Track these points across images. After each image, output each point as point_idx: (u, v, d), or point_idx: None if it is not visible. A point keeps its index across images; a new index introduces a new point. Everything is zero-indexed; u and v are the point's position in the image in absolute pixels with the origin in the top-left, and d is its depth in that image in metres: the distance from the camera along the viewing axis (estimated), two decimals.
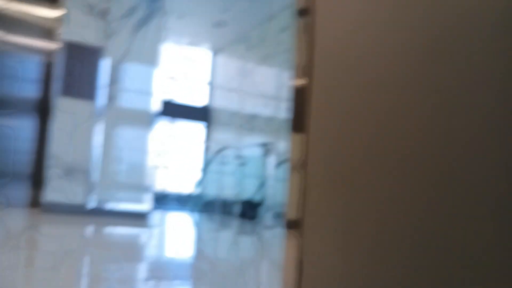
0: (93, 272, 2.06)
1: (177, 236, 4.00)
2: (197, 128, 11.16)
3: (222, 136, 10.82)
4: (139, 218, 3.79)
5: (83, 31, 3.75)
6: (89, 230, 3.29)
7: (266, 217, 4.33)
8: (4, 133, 3.79)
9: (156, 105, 3.97)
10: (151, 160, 3.96)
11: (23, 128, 3.87)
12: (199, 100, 11.35)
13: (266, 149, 4.50)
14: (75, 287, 1.74)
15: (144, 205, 3.88)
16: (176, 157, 10.01)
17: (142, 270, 2.29)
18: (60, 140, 3.63)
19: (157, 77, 3.99)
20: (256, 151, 6.60)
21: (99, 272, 2.04)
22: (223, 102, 11.25)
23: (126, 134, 3.87)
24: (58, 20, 3.89)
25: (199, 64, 11.54)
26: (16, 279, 1.74)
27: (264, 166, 6.06)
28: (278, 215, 4.79)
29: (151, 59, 3.97)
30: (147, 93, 3.95)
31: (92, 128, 3.75)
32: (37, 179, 3.81)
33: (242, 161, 5.29)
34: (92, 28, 3.78)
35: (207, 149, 10.73)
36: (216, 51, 11.41)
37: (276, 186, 4.59)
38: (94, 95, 3.76)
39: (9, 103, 3.84)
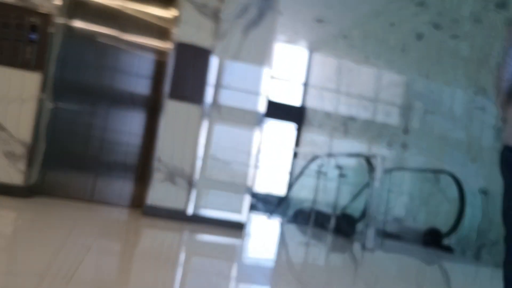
0: (186, 269, 2.02)
1: (265, 242, 3.85)
2: (289, 128, 10.95)
3: (314, 137, 10.47)
4: (236, 228, 3.64)
5: (195, 32, 3.68)
6: (186, 236, 3.22)
7: (366, 234, 3.94)
8: (117, 126, 3.88)
9: (263, 105, 3.81)
10: (253, 162, 3.81)
11: (134, 123, 3.93)
12: (292, 99, 11.12)
13: (368, 161, 4.10)
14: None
15: (242, 215, 3.72)
16: (267, 158, 9.90)
17: (231, 270, 2.31)
18: (166, 143, 3.60)
19: (266, 76, 3.81)
20: (357, 162, 6.15)
21: (191, 268, 1.99)
22: (317, 103, 10.89)
23: (232, 136, 3.76)
24: (172, 20, 3.88)
25: (295, 62, 11.29)
26: (114, 275, 1.72)
27: (364, 178, 5.63)
28: (379, 234, 4.35)
29: (261, 59, 3.81)
30: (255, 93, 3.80)
31: (199, 133, 3.67)
32: (141, 177, 3.83)
33: (341, 172, 4.92)
34: (204, 29, 3.70)
35: (298, 151, 10.48)
36: (313, 49, 11.07)
37: (378, 202, 4.17)
38: (203, 99, 3.68)
39: (122, 98, 3.91)
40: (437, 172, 5.93)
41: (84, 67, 3.83)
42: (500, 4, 5.75)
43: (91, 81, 3.85)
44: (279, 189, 9.90)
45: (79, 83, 3.82)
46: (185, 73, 3.68)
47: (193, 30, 3.68)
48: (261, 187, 9.36)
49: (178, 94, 3.65)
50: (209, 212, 3.65)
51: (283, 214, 7.65)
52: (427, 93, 7.09)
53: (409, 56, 7.74)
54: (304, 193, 7.55)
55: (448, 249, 5.08)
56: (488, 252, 5.12)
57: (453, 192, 5.58)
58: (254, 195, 7.67)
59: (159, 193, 3.55)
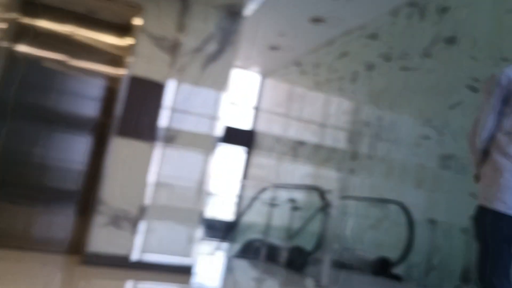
0: None
1: (213, 270, 3.66)
2: (238, 152, 10.81)
3: (264, 161, 10.41)
4: (184, 273, 3.40)
5: (150, 66, 3.46)
6: (130, 285, 2.95)
7: (321, 271, 3.85)
8: (59, 148, 3.54)
9: (219, 130, 3.67)
10: (206, 188, 3.64)
11: (78, 147, 3.61)
12: (242, 123, 11.03)
13: (322, 195, 4.04)
14: None
15: (190, 258, 3.48)
16: (216, 181, 9.66)
17: None
18: (111, 184, 3.29)
19: (224, 102, 3.69)
20: (309, 195, 6.08)
21: None
22: (267, 127, 10.87)
23: (186, 162, 3.56)
24: (127, 49, 3.67)
25: (247, 86, 11.26)
26: None
27: (314, 203, 5.58)
28: (336, 266, 4.27)
29: (218, 87, 3.68)
30: (213, 117, 3.65)
31: (147, 171, 3.42)
32: (83, 212, 3.48)
33: (294, 205, 4.81)
34: (160, 63, 3.48)
35: (246, 178, 10.35)
36: (266, 75, 11.09)
37: (330, 237, 4.12)
38: (154, 136, 3.44)
39: (67, 119, 3.59)
40: (385, 201, 6.03)
41: (25, 91, 3.51)
42: (449, 40, 6.01)
43: (33, 104, 3.52)
44: (226, 214, 9.68)
45: (19, 106, 3.49)
46: (136, 109, 3.41)
47: (148, 64, 3.45)
48: (208, 212, 9.11)
49: (126, 131, 3.36)
50: (155, 257, 3.37)
51: (231, 240, 7.42)
52: (374, 120, 7.28)
53: (359, 85, 7.95)
54: (252, 217, 7.39)
55: (397, 278, 5.19)
56: (435, 276, 5.22)
57: (400, 217, 5.67)
58: (204, 222, 7.41)
59: (100, 239, 3.20)
